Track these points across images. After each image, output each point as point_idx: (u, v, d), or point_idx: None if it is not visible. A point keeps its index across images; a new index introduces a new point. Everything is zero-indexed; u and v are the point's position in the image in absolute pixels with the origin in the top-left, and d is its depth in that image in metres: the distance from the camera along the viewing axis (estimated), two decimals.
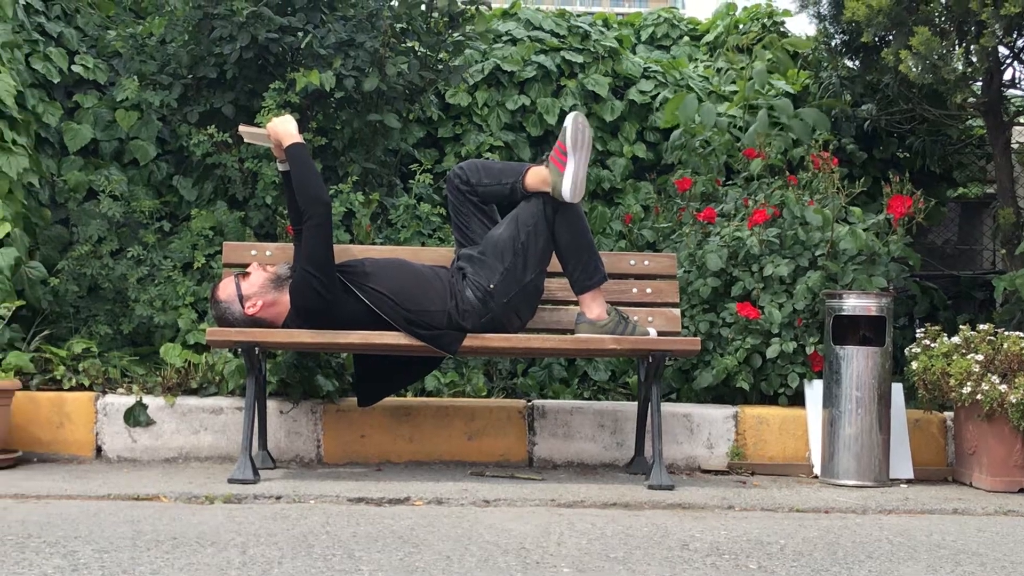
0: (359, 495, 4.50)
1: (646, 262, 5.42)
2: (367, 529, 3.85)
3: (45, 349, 5.68)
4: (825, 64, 7.55)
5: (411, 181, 6.75)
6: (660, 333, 5.12)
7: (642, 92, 7.94)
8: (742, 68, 8.19)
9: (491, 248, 4.93)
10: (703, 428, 5.53)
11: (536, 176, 4.95)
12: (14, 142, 5.93)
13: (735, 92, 7.89)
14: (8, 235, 5.70)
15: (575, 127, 4.81)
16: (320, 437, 5.47)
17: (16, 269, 5.71)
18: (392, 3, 6.85)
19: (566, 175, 4.80)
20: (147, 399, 5.42)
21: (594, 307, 4.95)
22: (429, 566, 3.29)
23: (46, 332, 5.85)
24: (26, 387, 5.42)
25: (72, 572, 3.10)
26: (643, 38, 9.75)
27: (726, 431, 5.53)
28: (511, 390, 6.09)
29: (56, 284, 6.03)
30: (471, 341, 4.86)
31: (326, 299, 4.81)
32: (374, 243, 6.18)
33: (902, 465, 5.34)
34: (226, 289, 4.93)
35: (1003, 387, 4.97)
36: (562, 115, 7.61)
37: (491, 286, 4.85)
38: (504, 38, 8.04)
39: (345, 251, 5.20)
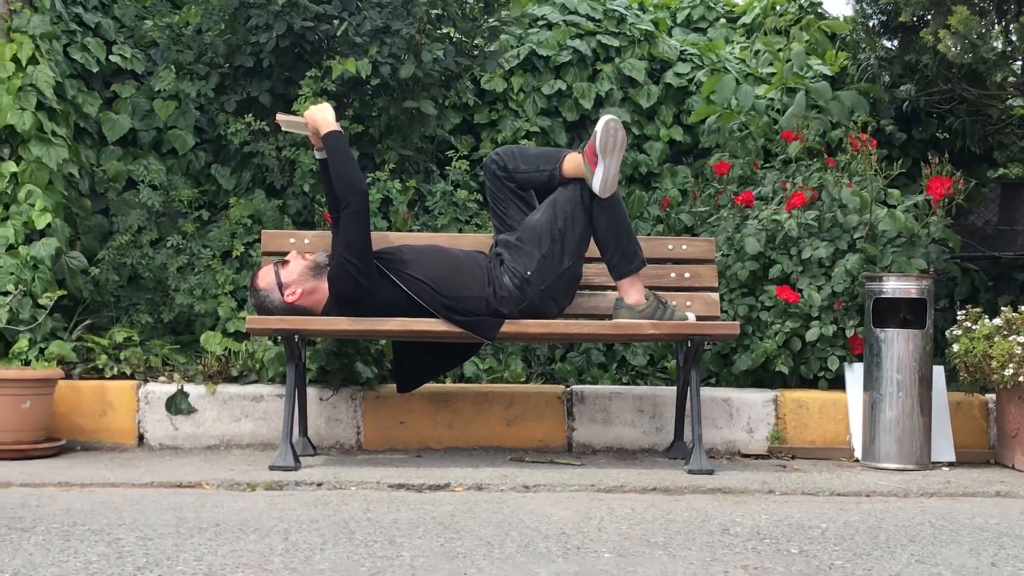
0: (399, 481, 4.51)
1: (684, 246, 5.41)
2: (408, 515, 3.86)
3: (87, 338, 5.72)
4: (863, 45, 7.51)
5: (447, 168, 6.76)
6: (699, 317, 5.11)
7: (679, 75, 7.91)
8: (779, 50, 8.15)
9: (529, 234, 4.94)
10: (742, 412, 5.52)
11: (572, 163, 4.96)
12: (54, 133, 5.96)
13: (773, 74, 7.85)
14: (49, 225, 5.74)
15: (605, 132, 4.81)
16: (360, 424, 5.50)
17: (57, 259, 5.75)
18: None
19: (596, 175, 4.84)
20: (188, 387, 5.45)
21: (632, 292, 4.95)
22: (470, 552, 3.30)
23: (88, 321, 5.89)
24: (68, 376, 5.46)
25: (117, 559, 3.13)
26: (679, 21, 9.71)
27: (766, 415, 5.52)
28: (549, 376, 6.10)
29: (97, 274, 6.07)
30: (509, 327, 4.87)
31: (364, 286, 4.82)
32: (411, 230, 6.19)
33: (944, 448, 5.32)
34: (265, 277, 4.96)
35: None
36: (598, 100, 7.60)
37: (528, 273, 4.86)
38: (539, 23, 8.03)
39: (383, 238, 5.21)
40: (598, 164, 4.84)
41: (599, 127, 4.85)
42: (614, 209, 4.94)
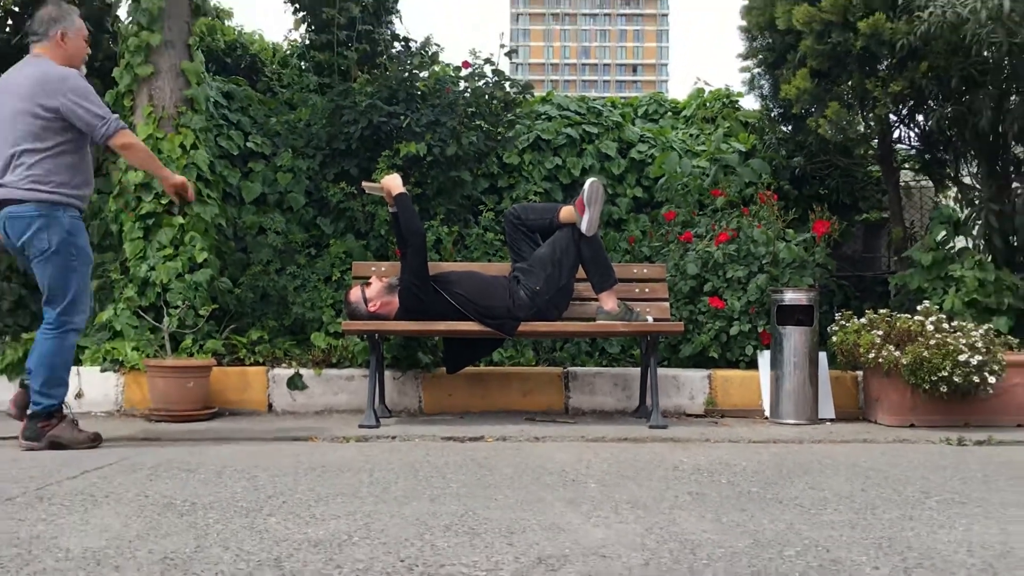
0: (449, 435, 4.52)
1: (644, 270, 5.43)
2: (455, 458, 3.87)
3: (232, 338, 5.75)
4: (767, 129, 7.51)
5: (480, 217, 6.78)
6: (655, 320, 5.12)
7: (639, 152, 7.91)
8: (709, 133, 8.15)
9: (537, 262, 4.97)
10: (686, 385, 5.51)
11: (567, 212, 5.03)
12: (208, 196, 6.00)
13: (704, 150, 7.85)
14: (205, 260, 5.77)
15: (590, 190, 4.93)
16: (421, 395, 5.50)
17: (211, 283, 5.78)
18: (465, 95, 6.88)
19: (584, 219, 4.93)
20: (302, 371, 5.47)
21: (609, 302, 4.98)
22: (499, 483, 3.30)
23: (232, 326, 5.92)
24: (220, 364, 5.49)
25: (254, 490, 3.14)
26: (639, 114, 9.71)
27: (703, 387, 5.51)
28: (552, 360, 6.09)
29: (239, 293, 6.09)
30: (524, 327, 4.90)
31: (423, 300, 4.86)
32: (455, 260, 6.20)
33: (827, 408, 5.30)
34: (355, 294, 4.99)
35: (897, 353, 4.93)
36: (583, 170, 7.60)
37: (537, 288, 4.89)
38: (542, 116, 8.04)
39: (435, 266, 5.22)
40: (585, 212, 4.89)
41: (586, 186, 4.90)
42: (596, 244, 5.00)
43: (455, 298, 4.89)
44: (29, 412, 4.10)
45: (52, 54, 4.19)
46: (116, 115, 4.17)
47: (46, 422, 4.08)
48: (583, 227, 4.90)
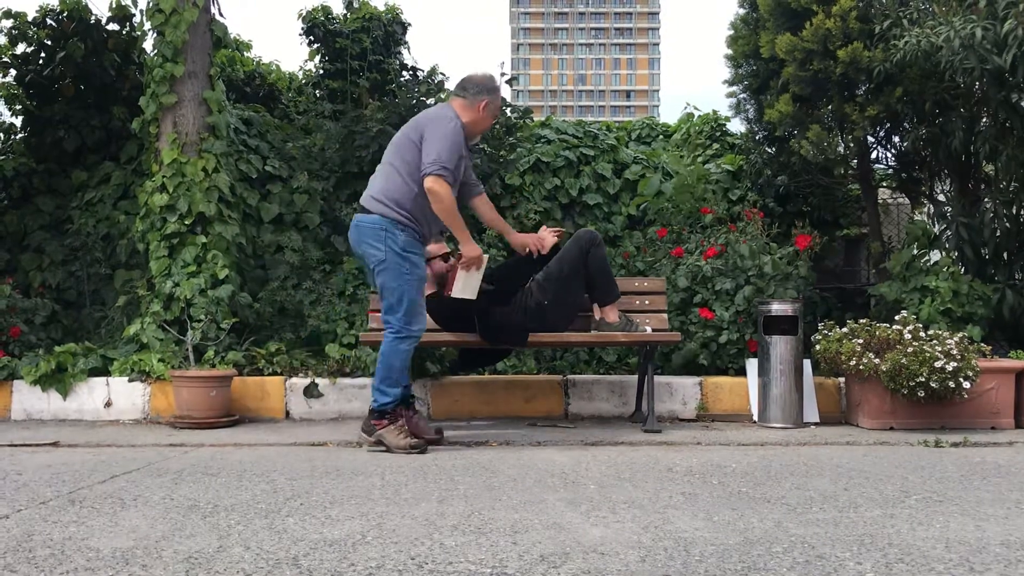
0: (456, 439, 4.51)
1: (645, 283, 5.39)
2: (462, 461, 3.86)
3: (252, 349, 5.75)
4: (752, 150, 7.52)
5: (483, 235, 6.78)
6: (655, 330, 5.09)
7: (633, 172, 7.93)
8: (697, 156, 8.16)
9: (547, 277, 4.86)
10: (679, 392, 5.50)
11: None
12: (229, 216, 6.02)
13: (692, 169, 7.86)
14: (227, 276, 5.78)
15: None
16: (429, 402, 5.49)
17: (232, 298, 5.79)
18: None
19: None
20: (318, 380, 5.46)
21: (611, 314, 4.90)
22: (503, 484, 3.29)
23: (252, 338, 5.92)
24: (240, 374, 5.49)
25: (272, 492, 3.13)
26: (633, 137, 9.76)
27: (694, 393, 5.50)
28: (552, 369, 6.09)
29: (258, 307, 6.10)
30: (535, 338, 4.81)
31: (444, 313, 4.77)
32: None
33: (811, 413, 5.29)
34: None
35: (877, 360, 4.92)
36: (581, 190, 7.61)
37: (546, 302, 4.80)
38: (542, 140, 8.06)
39: None
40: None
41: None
42: (600, 260, 4.89)
43: (475, 312, 4.82)
44: (369, 408, 4.26)
45: (463, 112, 4.28)
46: (444, 167, 4.10)
47: (379, 420, 4.18)
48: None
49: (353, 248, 4.33)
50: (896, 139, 6.90)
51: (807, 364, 5.35)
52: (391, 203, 4.15)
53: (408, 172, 4.16)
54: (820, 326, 5.49)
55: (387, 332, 4.20)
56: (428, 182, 4.09)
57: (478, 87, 4.32)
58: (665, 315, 5.28)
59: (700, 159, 8.47)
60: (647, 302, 5.31)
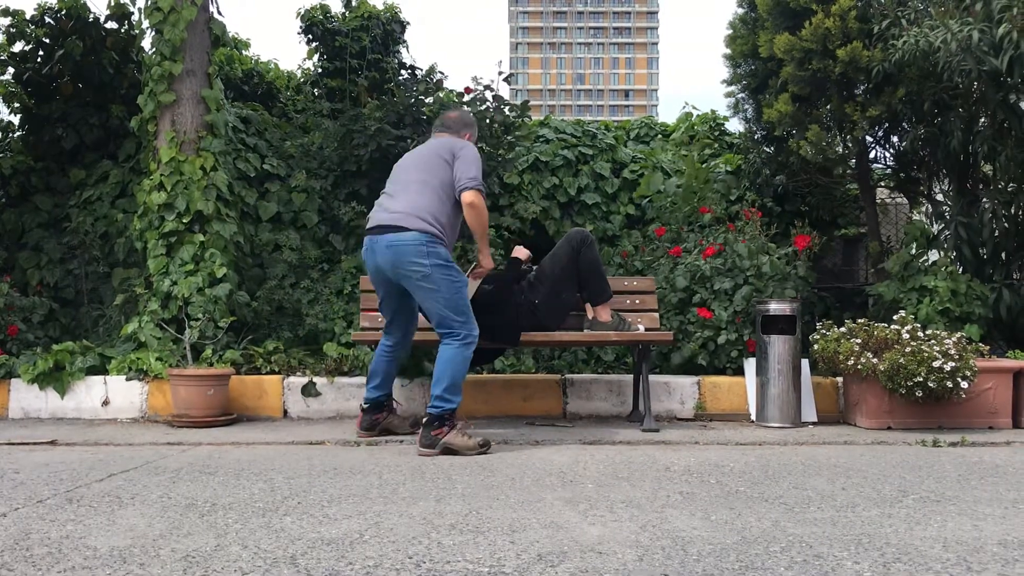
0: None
1: (635, 283, 5.40)
2: (460, 461, 3.86)
3: (249, 348, 5.74)
4: (752, 150, 7.52)
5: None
6: (647, 329, 5.11)
7: (632, 171, 7.93)
8: (696, 154, 8.16)
9: (540, 275, 4.92)
10: (677, 391, 5.50)
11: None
12: (227, 215, 6.01)
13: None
14: (224, 275, 5.78)
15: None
16: (427, 401, 5.48)
17: (230, 297, 5.79)
18: None
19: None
20: (316, 379, 5.46)
21: (603, 314, 4.94)
22: (501, 484, 3.29)
23: (250, 337, 5.92)
24: (238, 373, 5.49)
25: (270, 491, 3.13)
26: (631, 136, 9.75)
27: (692, 392, 5.50)
28: (550, 368, 6.09)
29: (256, 306, 6.10)
30: (526, 337, 4.85)
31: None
32: None
33: (809, 412, 5.29)
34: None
35: (875, 360, 4.92)
36: (579, 189, 7.61)
37: (537, 301, 4.84)
38: (540, 139, 8.06)
39: None
40: None
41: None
42: (593, 260, 4.92)
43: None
44: (425, 419, 4.15)
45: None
46: (483, 184, 4.39)
47: (439, 429, 4.11)
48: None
49: (383, 267, 4.27)
50: (895, 139, 6.91)
51: (805, 364, 5.35)
52: (431, 218, 4.22)
53: (443, 188, 4.29)
54: (818, 326, 5.50)
55: (448, 340, 4.19)
56: (470, 196, 4.26)
57: (458, 123, 4.61)
58: (657, 314, 5.29)
59: (698, 158, 8.47)
60: (638, 301, 5.32)
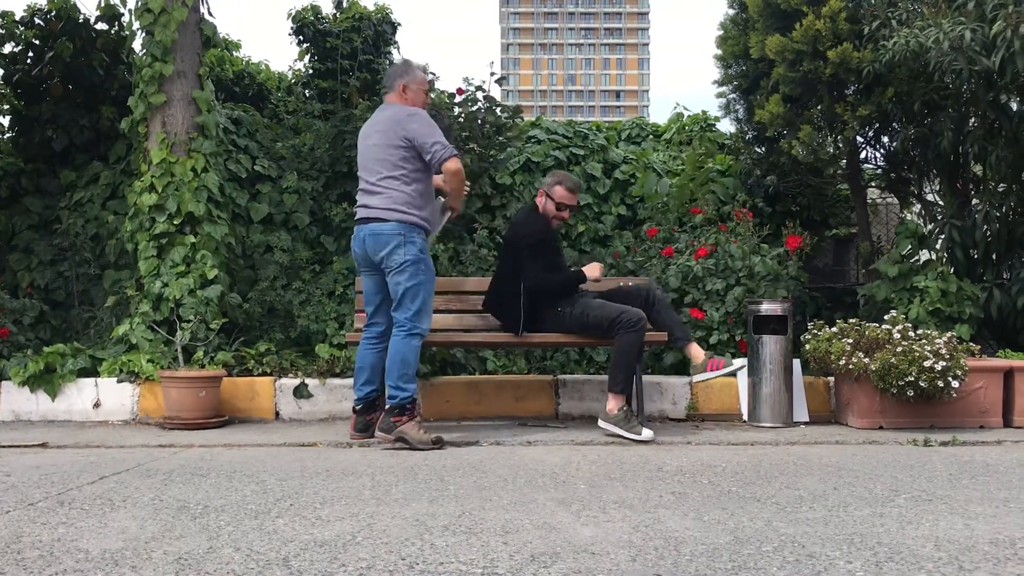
0: (446, 440, 4.50)
1: (630, 283, 5.40)
2: (452, 461, 3.86)
3: (241, 350, 5.73)
4: (742, 150, 7.54)
5: (474, 235, 6.78)
6: None
7: (623, 172, 7.94)
8: (687, 155, 8.18)
9: (585, 306, 4.86)
10: (669, 391, 5.51)
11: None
12: (218, 216, 6.00)
13: (684, 170, 7.88)
14: (216, 276, 5.76)
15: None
16: (420, 403, 5.47)
17: (221, 298, 5.77)
18: (459, 120, 6.89)
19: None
20: (308, 380, 5.45)
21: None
22: (493, 484, 3.29)
23: (241, 338, 5.90)
24: (230, 374, 5.48)
25: (262, 493, 3.13)
26: (623, 137, 9.76)
27: (684, 393, 5.51)
28: (543, 369, 6.09)
29: (247, 307, 6.08)
30: (524, 338, 4.84)
31: None
32: (451, 276, 6.19)
33: (801, 412, 5.31)
34: None
35: (866, 360, 4.93)
36: None
37: (559, 309, 4.83)
38: (532, 140, 8.07)
39: (457, 283, 5.19)
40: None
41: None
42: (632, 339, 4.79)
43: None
44: (386, 406, 4.33)
45: (398, 102, 4.53)
46: (451, 145, 4.43)
47: (398, 417, 4.27)
48: None
49: (366, 253, 4.44)
50: (885, 139, 6.93)
51: (797, 364, 5.37)
52: (408, 208, 4.35)
53: (403, 176, 4.37)
54: (810, 326, 5.51)
55: (398, 330, 4.35)
56: (452, 164, 4.36)
57: (391, 77, 4.65)
58: None
59: (690, 158, 8.47)
60: None
